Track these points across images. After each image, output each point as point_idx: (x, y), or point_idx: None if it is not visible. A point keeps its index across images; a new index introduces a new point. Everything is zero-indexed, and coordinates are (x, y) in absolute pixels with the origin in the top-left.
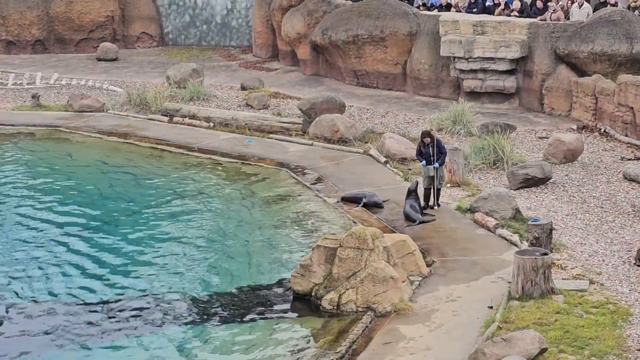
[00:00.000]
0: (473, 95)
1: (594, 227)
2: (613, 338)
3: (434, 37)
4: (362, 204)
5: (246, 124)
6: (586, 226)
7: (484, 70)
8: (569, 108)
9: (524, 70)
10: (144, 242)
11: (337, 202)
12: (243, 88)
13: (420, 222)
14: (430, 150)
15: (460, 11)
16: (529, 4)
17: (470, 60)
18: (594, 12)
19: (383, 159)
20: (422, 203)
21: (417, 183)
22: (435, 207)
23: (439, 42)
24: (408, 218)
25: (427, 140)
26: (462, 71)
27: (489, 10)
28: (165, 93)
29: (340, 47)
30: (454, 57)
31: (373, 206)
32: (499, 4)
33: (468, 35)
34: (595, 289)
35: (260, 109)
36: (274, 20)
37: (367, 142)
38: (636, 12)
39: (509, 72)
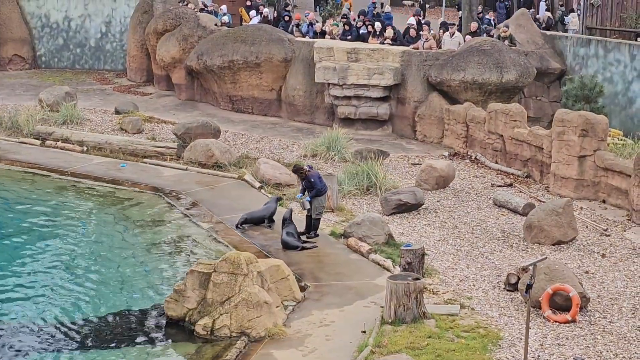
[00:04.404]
0: (347, 121)
1: (465, 253)
2: None
3: (308, 64)
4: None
5: (120, 148)
6: (457, 251)
7: (357, 97)
8: (440, 135)
9: (397, 98)
10: (14, 268)
11: (237, 226)
12: (117, 112)
13: (301, 249)
14: (302, 184)
15: (334, 38)
16: (401, 32)
17: (344, 87)
18: (464, 41)
19: (258, 184)
20: (303, 230)
21: (291, 211)
22: (312, 234)
23: (314, 69)
24: (287, 246)
25: (299, 175)
26: (336, 97)
27: (363, 38)
28: (37, 116)
29: (215, 72)
30: (329, 84)
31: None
32: (373, 32)
33: (342, 62)
34: (466, 313)
35: (134, 133)
36: (149, 45)
37: (241, 167)
38: (506, 42)
39: (383, 99)
